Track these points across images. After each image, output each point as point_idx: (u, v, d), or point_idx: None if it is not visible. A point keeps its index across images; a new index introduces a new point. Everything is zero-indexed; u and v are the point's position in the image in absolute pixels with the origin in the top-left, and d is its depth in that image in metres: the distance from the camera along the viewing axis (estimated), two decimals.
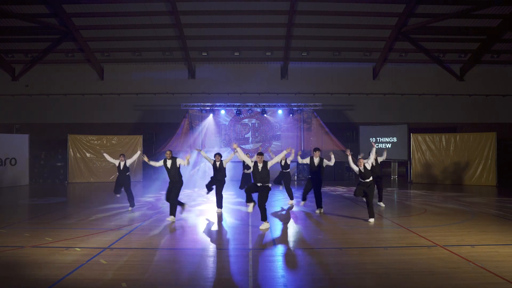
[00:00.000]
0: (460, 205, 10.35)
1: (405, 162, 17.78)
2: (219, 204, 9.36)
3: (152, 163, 8.77)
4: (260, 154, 7.68)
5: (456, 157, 16.01)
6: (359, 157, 8.31)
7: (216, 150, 18.39)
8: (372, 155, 8.57)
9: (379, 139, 17.94)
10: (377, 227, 7.62)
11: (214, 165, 9.26)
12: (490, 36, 18.10)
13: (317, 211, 9.25)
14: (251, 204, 7.61)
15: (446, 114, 20.52)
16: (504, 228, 7.43)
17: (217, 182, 9.31)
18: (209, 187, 9.49)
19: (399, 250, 5.92)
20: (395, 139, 17.67)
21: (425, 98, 20.50)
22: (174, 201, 8.30)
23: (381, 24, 17.66)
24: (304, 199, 9.59)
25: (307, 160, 9.32)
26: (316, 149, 9.26)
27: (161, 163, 8.52)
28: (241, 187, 11.81)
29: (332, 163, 9.19)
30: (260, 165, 7.56)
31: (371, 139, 10.17)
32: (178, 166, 8.39)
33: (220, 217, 8.78)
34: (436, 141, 16.45)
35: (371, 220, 8.02)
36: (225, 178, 9.40)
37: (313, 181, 9.22)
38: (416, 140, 16.78)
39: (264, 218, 7.49)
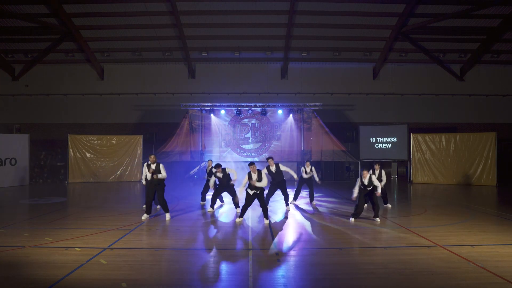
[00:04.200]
0: (460, 205, 10.35)
1: (405, 162, 17.78)
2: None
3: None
4: (252, 164, 8.14)
5: (456, 157, 16.01)
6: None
7: (216, 150, 18.40)
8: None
9: (379, 139, 17.94)
10: (377, 227, 7.62)
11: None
12: (490, 36, 18.10)
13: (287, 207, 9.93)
14: (241, 219, 8.26)
15: (446, 114, 20.53)
16: (504, 228, 7.43)
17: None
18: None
19: (399, 250, 5.91)
20: (395, 139, 17.66)
21: (425, 98, 20.50)
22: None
23: (381, 24, 17.66)
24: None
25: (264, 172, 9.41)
26: (269, 158, 9.56)
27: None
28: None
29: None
30: (254, 175, 8.02)
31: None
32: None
33: (219, 218, 8.78)
34: (436, 141, 16.44)
35: (377, 219, 8.13)
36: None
37: (275, 188, 9.59)
38: (416, 140, 16.77)
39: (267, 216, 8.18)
